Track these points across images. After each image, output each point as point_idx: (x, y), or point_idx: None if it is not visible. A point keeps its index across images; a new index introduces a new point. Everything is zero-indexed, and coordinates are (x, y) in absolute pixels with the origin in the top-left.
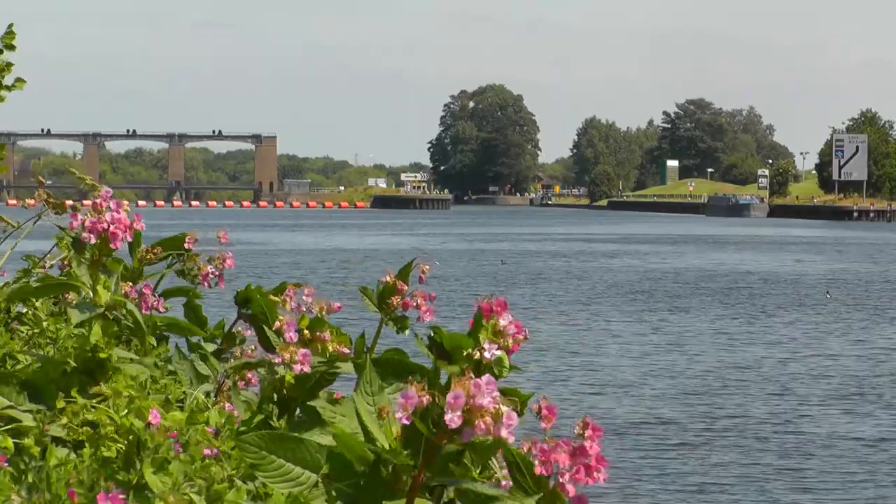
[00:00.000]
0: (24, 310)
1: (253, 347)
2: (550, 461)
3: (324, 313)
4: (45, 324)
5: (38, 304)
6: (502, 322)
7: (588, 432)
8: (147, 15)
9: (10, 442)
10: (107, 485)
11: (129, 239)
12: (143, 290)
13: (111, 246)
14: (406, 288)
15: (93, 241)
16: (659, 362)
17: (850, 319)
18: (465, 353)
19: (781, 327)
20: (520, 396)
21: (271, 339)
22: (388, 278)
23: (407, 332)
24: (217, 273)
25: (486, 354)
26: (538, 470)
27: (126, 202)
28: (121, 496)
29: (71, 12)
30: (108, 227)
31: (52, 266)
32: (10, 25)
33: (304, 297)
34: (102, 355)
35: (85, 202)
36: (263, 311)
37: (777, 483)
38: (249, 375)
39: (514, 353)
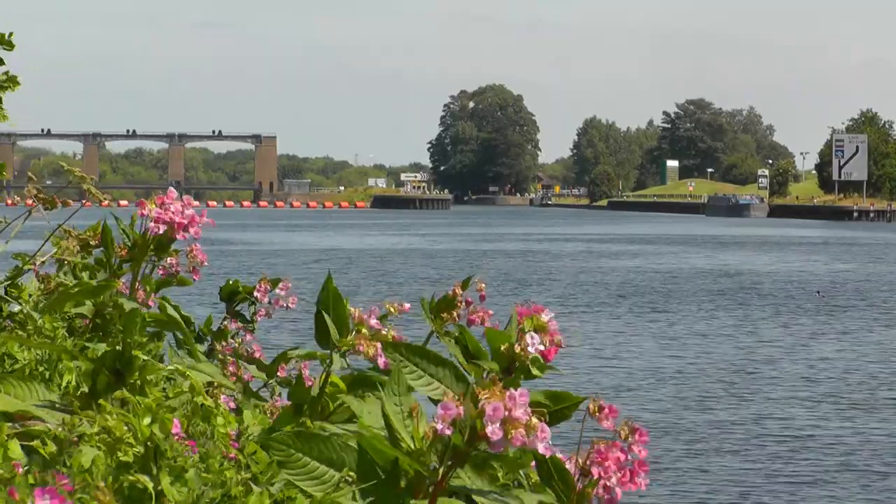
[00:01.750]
0: (17, 308)
1: (239, 342)
2: (605, 462)
3: (395, 313)
4: (39, 322)
5: (29, 300)
6: (544, 317)
7: (635, 436)
8: (147, 15)
9: (19, 450)
10: (43, 476)
11: (197, 236)
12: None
13: (173, 236)
14: (469, 302)
15: (161, 230)
16: (655, 363)
17: (843, 319)
18: (502, 349)
19: (776, 328)
20: (571, 399)
21: (332, 333)
22: (457, 290)
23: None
24: (183, 267)
25: (531, 348)
26: (595, 472)
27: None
28: (62, 485)
29: (71, 12)
30: (177, 218)
31: (43, 263)
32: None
33: (279, 292)
34: (136, 352)
35: (86, 203)
36: (329, 301)
37: (774, 483)
38: (244, 374)
39: (550, 359)
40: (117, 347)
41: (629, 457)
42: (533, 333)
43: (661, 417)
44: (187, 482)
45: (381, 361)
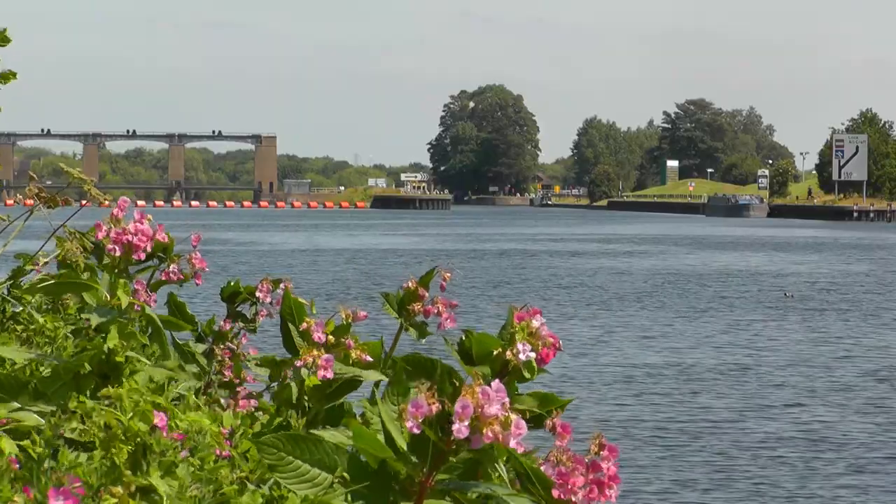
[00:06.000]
0: (20, 308)
1: (238, 344)
2: (568, 485)
3: (349, 320)
4: (41, 322)
5: (32, 301)
6: (535, 323)
7: (604, 453)
8: (147, 15)
9: (13, 446)
10: (59, 478)
11: (150, 249)
12: (136, 286)
13: (134, 257)
14: (426, 295)
15: (118, 253)
16: (652, 362)
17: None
18: (494, 354)
19: (767, 328)
20: (557, 402)
21: (295, 342)
22: (411, 285)
23: (424, 339)
24: (183, 274)
25: (521, 356)
26: (556, 493)
27: (142, 202)
28: (76, 488)
29: (71, 12)
30: (132, 238)
31: (45, 263)
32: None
33: (280, 292)
34: (119, 359)
35: (84, 202)
36: (291, 311)
37: (770, 483)
38: (244, 374)
39: (548, 362)
40: (102, 352)
41: (597, 474)
42: (525, 342)
43: (653, 416)
44: (178, 477)
45: (319, 374)
